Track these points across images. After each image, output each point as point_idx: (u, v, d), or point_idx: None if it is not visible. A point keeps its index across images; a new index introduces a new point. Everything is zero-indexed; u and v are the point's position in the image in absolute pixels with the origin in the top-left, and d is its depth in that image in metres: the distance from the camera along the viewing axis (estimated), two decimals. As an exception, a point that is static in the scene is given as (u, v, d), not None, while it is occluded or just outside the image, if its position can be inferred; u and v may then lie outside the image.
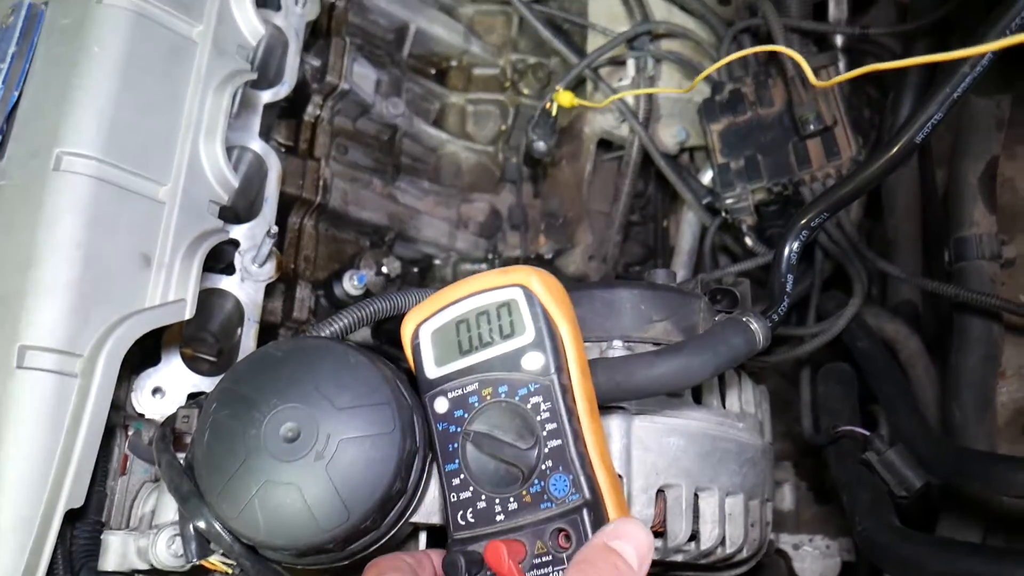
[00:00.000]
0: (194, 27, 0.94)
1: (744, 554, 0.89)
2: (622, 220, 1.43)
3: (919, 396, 1.15)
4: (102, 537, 0.84)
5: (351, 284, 1.21)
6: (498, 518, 0.71)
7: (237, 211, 1.08)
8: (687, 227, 1.43)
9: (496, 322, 0.74)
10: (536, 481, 0.70)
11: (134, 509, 0.88)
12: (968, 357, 1.08)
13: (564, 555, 0.67)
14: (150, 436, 0.91)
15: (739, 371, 0.94)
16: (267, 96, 1.12)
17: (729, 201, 1.29)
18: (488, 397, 0.73)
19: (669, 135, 1.43)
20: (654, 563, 0.87)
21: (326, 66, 1.28)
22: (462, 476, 0.73)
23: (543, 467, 0.70)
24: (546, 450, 0.70)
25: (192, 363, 0.97)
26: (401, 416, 0.74)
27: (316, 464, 0.71)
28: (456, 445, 0.73)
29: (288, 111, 1.27)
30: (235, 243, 1.03)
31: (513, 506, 0.70)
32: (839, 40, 1.34)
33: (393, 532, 0.77)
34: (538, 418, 0.70)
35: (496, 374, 0.73)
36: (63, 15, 0.91)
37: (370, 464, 0.72)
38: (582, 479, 0.68)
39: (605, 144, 1.48)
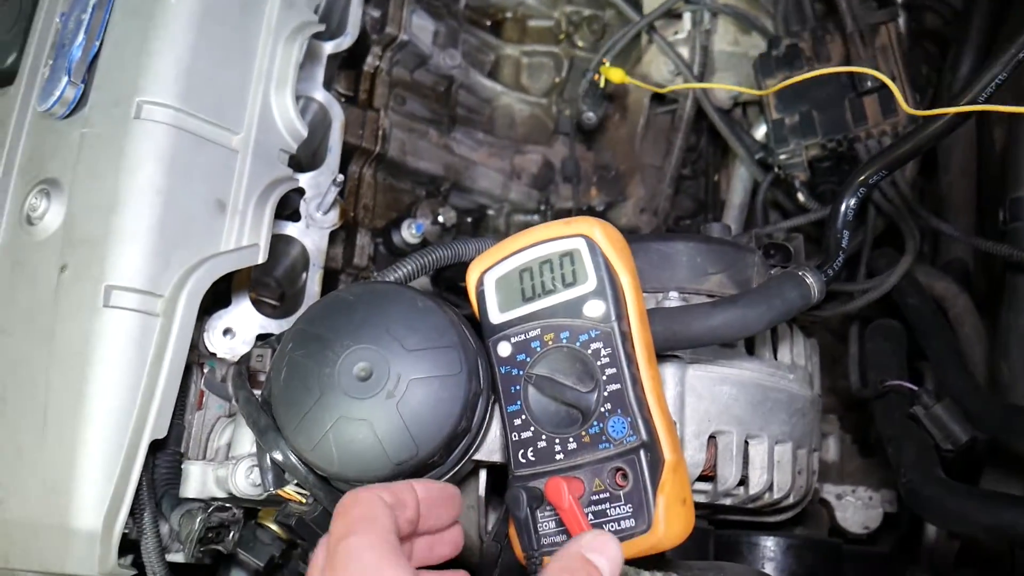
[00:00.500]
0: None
1: (790, 500, 0.92)
2: (674, 174, 1.44)
3: (967, 354, 1.16)
4: (183, 467, 0.89)
5: (409, 232, 1.24)
6: (557, 457, 0.74)
7: (300, 160, 1.11)
8: (738, 182, 1.43)
9: (559, 271, 0.77)
10: (595, 423, 0.73)
11: (210, 442, 0.93)
12: (1019, 316, 1.09)
13: (621, 492, 0.71)
14: (223, 374, 0.96)
15: (791, 324, 0.96)
16: (330, 47, 1.14)
17: (783, 157, 1.30)
18: (550, 342, 0.76)
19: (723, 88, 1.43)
20: (705, 506, 0.91)
21: (385, 17, 1.30)
22: (524, 417, 0.76)
23: (602, 409, 0.73)
24: (605, 393, 0.73)
25: (257, 307, 1.01)
26: (467, 359, 0.77)
27: (387, 402, 0.75)
28: (518, 387, 0.77)
29: (348, 62, 1.29)
30: (300, 191, 1.07)
31: (572, 446, 0.74)
32: (900, -6, 1.33)
33: (457, 468, 0.82)
34: (598, 363, 0.73)
35: (558, 320, 0.75)
36: (141, -32, 0.93)
37: (438, 403, 0.76)
38: (640, 422, 0.72)
39: (658, 98, 1.49)
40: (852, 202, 0.89)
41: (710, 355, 0.88)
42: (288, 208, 1.08)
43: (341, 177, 1.04)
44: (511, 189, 1.46)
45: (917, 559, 1.20)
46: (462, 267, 0.97)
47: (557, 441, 0.74)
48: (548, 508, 0.73)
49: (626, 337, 0.74)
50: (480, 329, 0.81)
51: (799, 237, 1.00)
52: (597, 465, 0.72)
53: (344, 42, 1.15)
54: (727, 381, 0.87)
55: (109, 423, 0.82)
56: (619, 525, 0.70)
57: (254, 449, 0.84)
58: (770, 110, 1.32)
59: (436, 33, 1.39)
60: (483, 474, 0.87)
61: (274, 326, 1.00)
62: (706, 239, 0.94)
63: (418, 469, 0.77)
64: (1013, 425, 0.93)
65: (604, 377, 0.73)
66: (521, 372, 0.77)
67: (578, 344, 0.74)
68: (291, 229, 1.06)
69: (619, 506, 0.71)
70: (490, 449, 0.83)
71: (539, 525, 0.74)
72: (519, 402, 0.77)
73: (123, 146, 0.87)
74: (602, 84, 1.38)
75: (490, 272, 0.81)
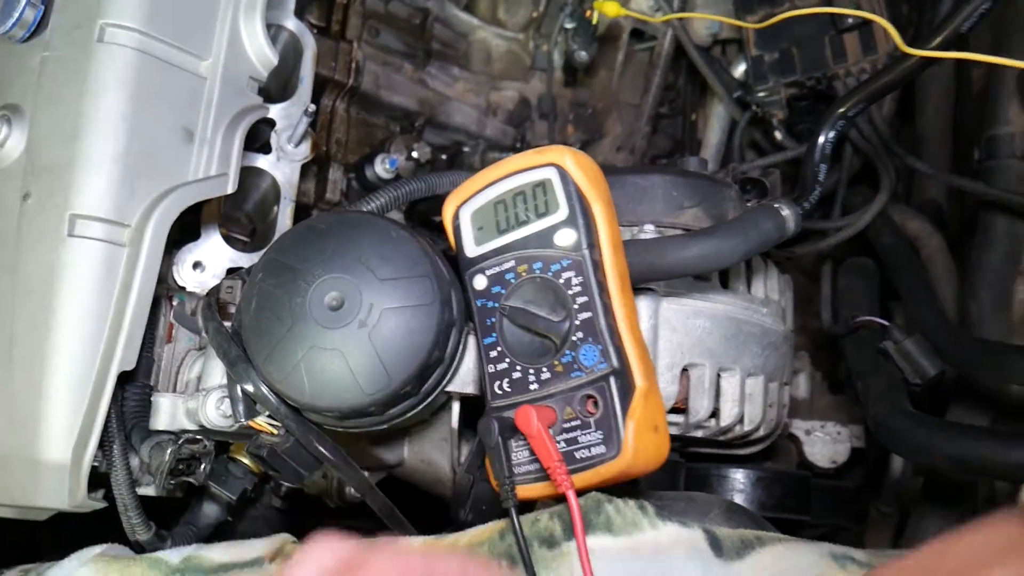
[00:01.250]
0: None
1: (761, 433, 0.93)
2: (651, 112, 1.43)
3: (938, 293, 1.17)
4: (152, 399, 0.88)
5: (383, 168, 1.22)
6: (532, 387, 0.74)
7: (271, 91, 1.09)
8: (716, 121, 1.42)
9: (532, 201, 0.76)
10: (567, 352, 0.73)
11: (180, 375, 0.92)
12: (990, 254, 1.09)
13: (591, 419, 0.71)
14: (192, 307, 0.95)
15: (765, 259, 0.97)
16: (301, -26, 1.11)
17: (761, 94, 1.29)
18: (524, 273, 0.75)
19: (703, 26, 1.41)
20: (676, 438, 0.92)
21: (358, -55, 1.26)
22: (499, 349, 0.76)
23: (574, 338, 0.73)
24: (577, 322, 0.72)
25: (228, 242, 1.00)
26: (441, 289, 0.77)
27: (359, 331, 0.74)
28: (494, 320, 0.76)
29: (320, -9, 1.26)
30: (270, 123, 1.04)
31: (546, 375, 0.74)
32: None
33: (430, 400, 0.81)
34: (569, 292, 0.73)
35: (531, 251, 0.75)
36: None
37: (411, 333, 0.75)
38: (611, 349, 0.72)
39: (637, 34, 1.46)
40: (831, 135, 0.89)
41: (684, 288, 0.88)
42: (259, 141, 1.06)
43: (313, 107, 1.02)
44: (486, 125, 1.44)
45: (882, 493, 1.23)
46: (436, 201, 0.96)
47: (531, 371, 0.74)
48: (521, 437, 0.73)
49: (598, 266, 0.73)
50: (456, 263, 0.80)
51: (776, 172, 1.00)
52: (569, 393, 0.73)
53: (316, -31, 1.12)
54: (701, 314, 0.87)
55: (76, 355, 0.81)
56: (589, 452, 0.70)
57: (224, 381, 0.83)
58: (749, 47, 1.31)
59: (410, -37, 1.36)
60: (455, 406, 0.87)
61: (245, 260, 0.99)
62: (682, 172, 0.94)
63: (391, 400, 0.76)
64: (980, 359, 0.94)
65: (576, 306, 0.73)
66: (496, 304, 0.76)
67: (550, 274, 0.74)
68: (262, 162, 1.04)
69: (590, 433, 0.71)
70: (463, 381, 0.83)
71: (512, 454, 0.74)
72: (495, 334, 0.76)
73: (86, 71, 0.84)
74: (595, 20, 1.34)
75: (465, 206, 0.80)
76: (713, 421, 0.89)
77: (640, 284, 0.83)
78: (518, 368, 0.75)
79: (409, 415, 0.81)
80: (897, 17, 1.35)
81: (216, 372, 0.86)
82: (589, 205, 0.75)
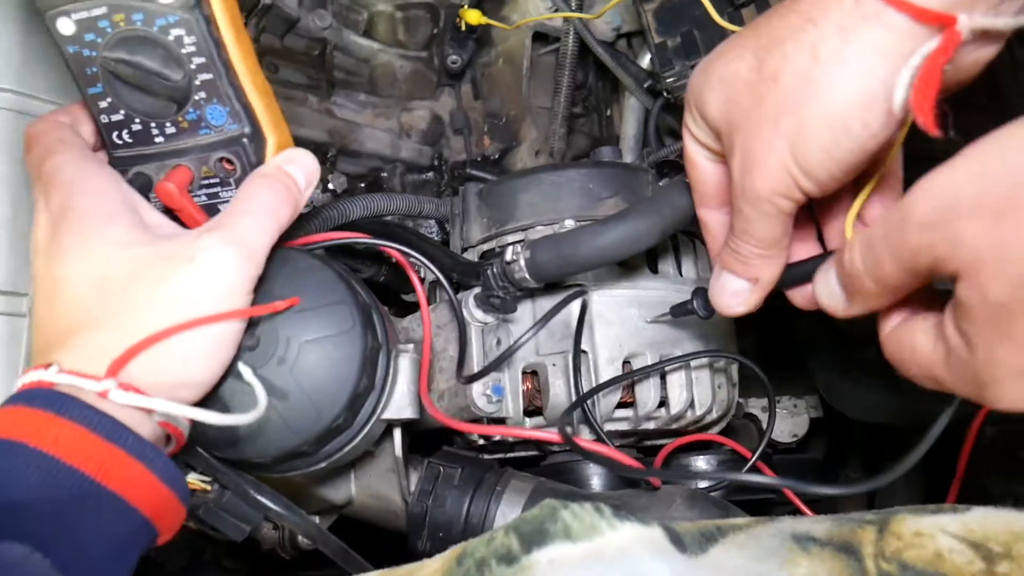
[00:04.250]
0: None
1: (714, 415, 0.91)
2: (565, 113, 1.41)
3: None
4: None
5: (298, 203, 1.19)
6: (156, 140, 0.71)
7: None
8: (630, 113, 1.41)
9: None
10: (191, 110, 0.70)
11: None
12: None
13: (232, 178, 0.72)
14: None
15: (692, 239, 0.95)
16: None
17: (670, 80, 1.27)
18: (121, 23, 0.67)
19: (603, 22, 1.40)
20: (627, 433, 0.90)
21: (244, -18, 1.23)
22: (110, 100, 0.70)
23: (196, 98, 0.69)
24: (197, 82, 0.68)
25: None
26: (361, 313, 0.73)
27: (280, 368, 0.70)
28: (95, 69, 0.69)
29: (210, 33, 1.22)
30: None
31: (171, 130, 0.71)
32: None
33: (366, 431, 0.78)
34: (183, 51, 0.67)
35: (128, 1, 0.66)
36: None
37: (334, 363, 0.72)
38: (240, 110, 0.70)
39: (540, 38, 1.45)
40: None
41: (613, 278, 0.86)
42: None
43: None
44: (401, 148, 1.41)
45: (848, 459, 1.22)
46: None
47: (154, 125, 0.71)
48: (155, 199, 0.73)
49: (210, 21, 0.67)
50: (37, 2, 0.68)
51: (691, 152, 0.98)
52: (203, 153, 0.71)
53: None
54: (634, 303, 0.85)
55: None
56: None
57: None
58: (652, 35, 1.30)
59: (301, -6, 1.33)
60: (397, 433, 0.83)
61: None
62: (596, 164, 0.92)
63: (323, 436, 0.73)
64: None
65: (193, 66, 0.68)
66: (94, 52, 0.68)
67: (156, 28, 0.67)
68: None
69: (230, 191, 0.72)
70: (399, 406, 0.79)
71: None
72: (100, 84, 0.70)
73: (-42, 139, 0.80)
74: (463, 27, 1.34)
75: None
76: (663, 410, 0.87)
77: (561, 279, 0.81)
78: (137, 121, 0.71)
79: (346, 450, 0.77)
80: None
81: (139, 435, 0.81)
82: None
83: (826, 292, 0.61)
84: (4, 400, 0.59)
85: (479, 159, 1.42)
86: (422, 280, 1.10)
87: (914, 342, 0.56)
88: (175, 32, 0.67)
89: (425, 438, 0.97)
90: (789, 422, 1.16)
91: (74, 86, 0.83)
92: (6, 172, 0.80)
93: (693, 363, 0.88)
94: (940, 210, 0.49)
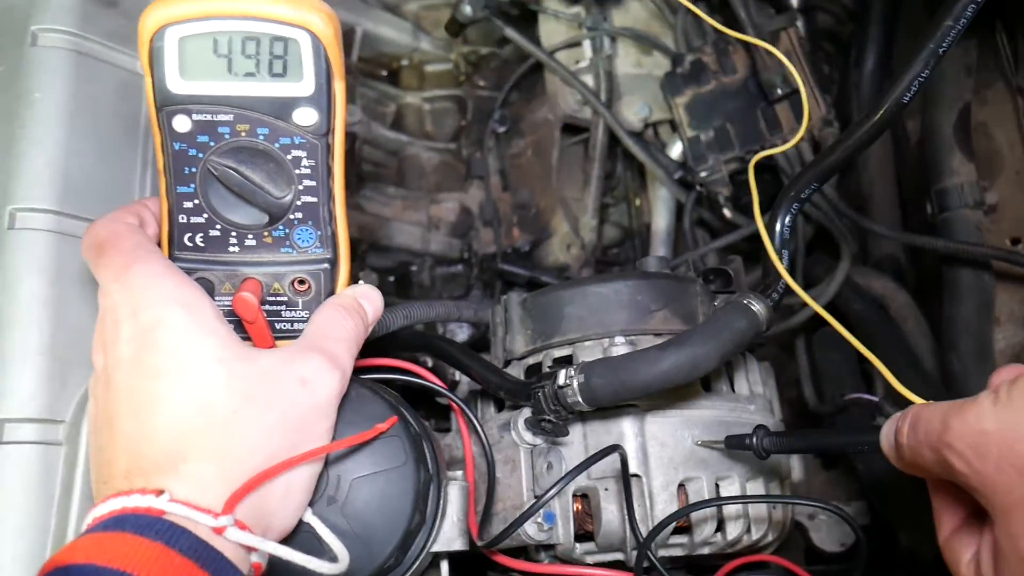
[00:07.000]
0: (138, 59, 0.89)
1: (769, 539, 0.87)
2: (595, 204, 1.40)
3: (914, 350, 1.15)
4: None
5: (330, 304, 1.17)
6: (231, 248, 0.70)
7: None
8: (661, 204, 1.40)
9: (267, 55, 0.65)
10: (281, 227, 0.70)
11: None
12: (962, 307, 1.07)
13: (299, 299, 0.71)
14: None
15: (744, 353, 0.92)
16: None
17: (703, 174, 1.27)
18: (243, 133, 0.67)
19: (632, 112, 1.40)
20: (682, 559, 0.86)
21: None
22: (196, 202, 0.69)
23: (291, 217, 0.69)
24: (299, 203, 0.69)
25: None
26: (413, 446, 0.71)
27: (330, 508, 0.68)
28: (194, 170, 0.68)
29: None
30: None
31: (251, 242, 0.70)
32: (795, 0, 1.32)
33: (415, 566, 0.75)
34: (297, 171, 0.68)
35: (259, 115, 0.66)
36: (-4, 63, 0.86)
37: (386, 500, 0.69)
38: (329, 236, 0.71)
39: (569, 129, 1.45)
40: (787, 219, 0.86)
41: (666, 399, 0.83)
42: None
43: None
44: (430, 241, 1.40)
45: (895, 566, 1.17)
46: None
47: (234, 234, 0.70)
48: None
49: (330, 150, 0.68)
50: (155, 95, 0.67)
51: (737, 259, 0.96)
52: (276, 269, 0.71)
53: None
54: (688, 424, 0.83)
55: (18, 571, 0.73)
56: (291, 325, 0.72)
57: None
58: (684, 128, 1.30)
59: (331, 91, 1.33)
60: (445, 566, 0.80)
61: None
62: (644, 275, 0.90)
63: (374, 576, 0.70)
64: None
65: (302, 187, 0.68)
66: (202, 156, 0.67)
67: (277, 145, 0.67)
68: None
69: (296, 310, 0.72)
70: (448, 538, 0.76)
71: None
72: (193, 185, 0.68)
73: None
74: None
75: (175, 27, 0.64)
76: (719, 535, 0.83)
77: (615, 404, 0.79)
78: (218, 227, 0.69)
79: (395, 586, 0.74)
80: (822, 79, 1.36)
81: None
82: (333, 84, 0.66)
83: (886, 444, 0.67)
84: (105, 520, 0.57)
85: (509, 251, 1.41)
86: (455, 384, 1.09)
87: (959, 565, 0.62)
88: (295, 153, 0.67)
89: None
90: (837, 530, 1.12)
91: (115, 200, 0.84)
92: (46, 295, 0.78)
93: (748, 485, 0.85)
94: (973, 448, 0.55)
